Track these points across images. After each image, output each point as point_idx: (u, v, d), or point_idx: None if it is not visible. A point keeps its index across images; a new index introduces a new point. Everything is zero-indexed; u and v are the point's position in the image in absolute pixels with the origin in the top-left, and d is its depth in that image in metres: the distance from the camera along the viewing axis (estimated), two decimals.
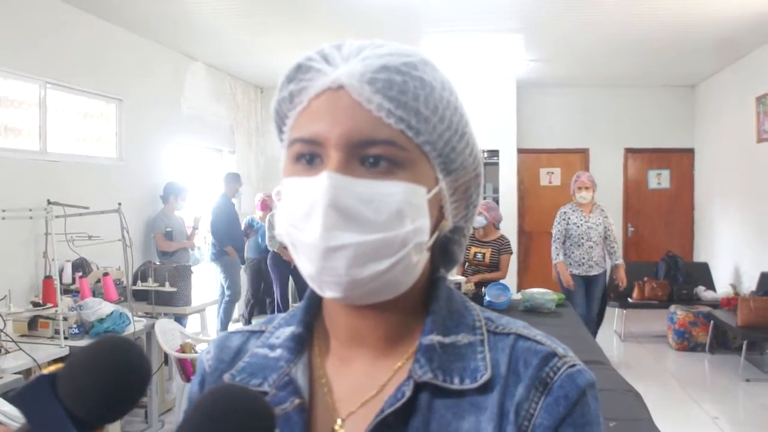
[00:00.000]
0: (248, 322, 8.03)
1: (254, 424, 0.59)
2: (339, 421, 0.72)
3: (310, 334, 0.79)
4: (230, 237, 7.27)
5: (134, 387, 0.62)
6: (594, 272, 6.16)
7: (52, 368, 0.61)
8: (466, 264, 5.97)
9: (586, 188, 6.14)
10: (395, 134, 0.67)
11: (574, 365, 0.71)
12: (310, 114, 0.69)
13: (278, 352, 0.77)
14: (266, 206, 8.14)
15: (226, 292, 7.26)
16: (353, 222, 0.65)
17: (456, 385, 0.70)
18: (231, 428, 0.58)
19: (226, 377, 0.78)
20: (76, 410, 0.59)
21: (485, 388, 0.70)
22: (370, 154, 0.66)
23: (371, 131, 0.66)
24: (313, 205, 0.65)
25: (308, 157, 0.68)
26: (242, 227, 7.89)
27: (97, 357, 0.61)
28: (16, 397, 0.60)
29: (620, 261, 6.28)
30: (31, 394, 0.60)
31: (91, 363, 0.61)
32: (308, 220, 0.66)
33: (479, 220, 5.83)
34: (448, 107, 0.70)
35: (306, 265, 0.68)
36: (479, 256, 5.85)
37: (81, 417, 0.60)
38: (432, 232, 0.72)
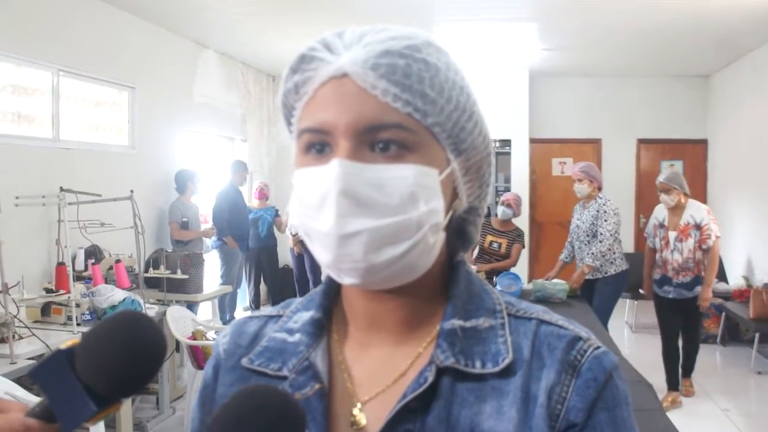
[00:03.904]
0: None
1: (284, 426, 0.59)
2: (359, 406, 0.72)
3: (328, 319, 0.80)
4: (231, 226, 7.27)
5: (151, 361, 0.62)
6: (588, 276, 5.39)
7: (69, 343, 0.62)
8: (480, 252, 5.96)
9: (579, 180, 5.46)
10: (403, 118, 0.67)
11: (598, 347, 0.72)
12: (316, 103, 0.69)
13: (297, 336, 0.78)
14: (263, 195, 8.16)
15: (220, 281, 7.27)
16: (366, 207, 0.65)
17: (477, 369, 0.70)
18: (261, 426, 0.58)
19: (245, 361, 0.78)
20: (93, 385, 0.60)
21: (507, 372, 0.70)
22: (380, 139, 0.66)
23: (379, 116, 0.66)
24: (326, 194, 0.65)
25: (318, 146, 0.68)
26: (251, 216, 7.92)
27: (113, 332, 0.61)
28: (34, 372, 0.60)
29: (587, 262, 5.32)
30: (48, 369, 0.60)
31: (108, 338, 0.61)
32: (321, 208, 0.66)
33: (506, 212, 5.83)
34: (454, 87, 0.70)
35: (322, 254, 0.68)
36: (495, 245, 5.85)
37: (98, 391, 0.60)
38: (446, 213, 0.72)
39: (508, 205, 5.81)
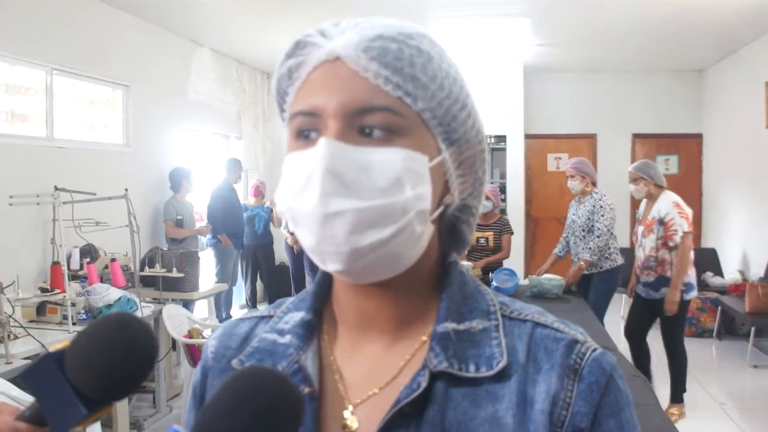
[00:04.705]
0: (253, 309, 8.07)
1: (282, 405, 0.58)
2: (350, 408, 0.72)
3: (319, 320, 0.79)
4: (225, 224, 7.27)
5: (141, 363, 0.62)
6: (584, 271, 5.37)
7: (59, 346, 0.61)
8: (469, 250, 5.94)
9: (571, 176, 5.44)
10: (393, 101, 0.66)
11: (595, 349, 0.71)
12: (308, 87, 0.68)
13: (287, 338, 0.76)
14: (259, 192, 8.16)
15: (215, 279, 7.25)
16: (351, 189, 0.64)
17: (471, 373, 0.69)
18: (258, 409, 0.57)
19: (235, 362, 0.77)
20: (83, 387, 0.59)
21: (502, 376, 0.69)
22: (369, 122, 0.66)
23: (369, 99, 0.66)
24: (312, 173, 0.64)
25: (308, 131, 0.68)
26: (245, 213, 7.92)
27: (103, 334, 0.61)
28: (24, 375, 0.60)
29: (584, 257, 5.26)
30: (38, 372, 0.60)
31: (98, 340, 0.61)
32: (306, 188, 0.65)
33: (486, 205, 5.77)
34: (447, 77, 0.70)
35: (306, 237, 0.67)
36: (482, 240, 5.82)
37: (89, 394, 0.59)
38: (437, 204, 0.71)
39: (486, 198, 5.76)
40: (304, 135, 0.68)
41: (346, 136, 0.65)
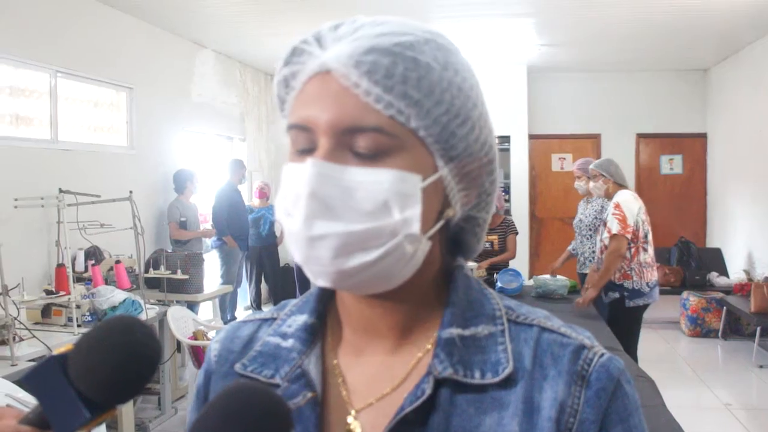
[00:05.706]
0: (258, 310, 8.07)
1: (270, 423, 0.58)
2: (353, 413, 0.71)
3: (322, 324, 0.78)
4: (230, 226, 7.27)
5: (144, 367, 0.62)
6: (586, 270, 5.39)
7: (62, 349, 0.61)
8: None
9: (577, 177, 5.49)
10: (384, 120, 0.63)
11: (603, 354, 0.70)
12: (302, 98, 0.67)
13: (290, 342, 0.76)
14: (264, 194, 8.16)
15: (220, 281, 7.26)
16: (336, 212, 0.63)
17: (477, 379, 0.68)
18: (246, 427, 0.57)
19: (238, 367, 0.76)
20: (86, 391, 0.59)
21: (508, 382, 0.68)
22: (358, 141, 0.64)
23: (358, 118, 0.63)
24: (298, 194, 0.63)
25: (303, 142, 0.67)
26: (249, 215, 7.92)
27: (106, 337, 0.61)
28: (27, 378, 0.60)
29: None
30: (41, 375, 0.60)
31: (101, 343, 0.60)
32: (294, 208, 0.64)
33: None
34: (448, 89, 0.65)
35: (296, 254, 0.67)
36: (487, 244, 5.81)
37: (92, 398, 0.59)
38: (436, 220, 0.69)
39: None
40: (300, 145, 0.67)
41: (336, 154, 0.64)
